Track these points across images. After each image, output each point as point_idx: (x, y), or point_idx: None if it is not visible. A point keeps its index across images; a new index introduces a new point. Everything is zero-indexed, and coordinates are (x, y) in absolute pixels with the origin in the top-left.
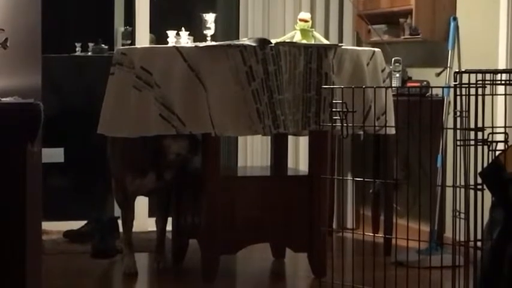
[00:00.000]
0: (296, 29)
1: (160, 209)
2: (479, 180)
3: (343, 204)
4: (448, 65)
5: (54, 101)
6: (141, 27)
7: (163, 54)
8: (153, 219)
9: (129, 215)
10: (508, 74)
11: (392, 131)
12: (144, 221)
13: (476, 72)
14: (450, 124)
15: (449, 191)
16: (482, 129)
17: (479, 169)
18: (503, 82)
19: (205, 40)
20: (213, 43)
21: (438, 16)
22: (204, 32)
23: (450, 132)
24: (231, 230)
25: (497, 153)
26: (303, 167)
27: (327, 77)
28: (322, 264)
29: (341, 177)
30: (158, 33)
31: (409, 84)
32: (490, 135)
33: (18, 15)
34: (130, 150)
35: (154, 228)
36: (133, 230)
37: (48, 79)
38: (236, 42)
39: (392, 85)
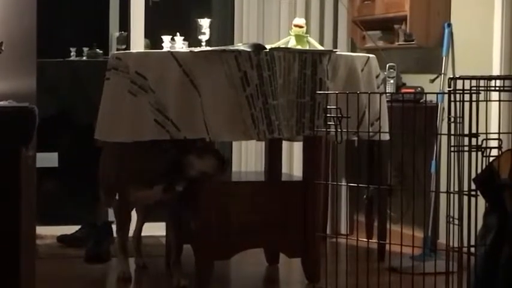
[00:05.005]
0: (291, 34)
1: (173, 222)
2: (473, 186)
3: (337, 209)
4: (442, 71)
5: (48, 106)
6: (136, 32)
7: (158, 59)
8: (148, 224)
9: (125, 222)
10: (502, 80)
11: (387, 136)
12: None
13: (470, 78)
14: (444, 130)
15: (443, 197)
16: (476, 135)
17: (473, 175)
18: (497, 88)
19: (200, 45)
20: (208, 48)
21: (432, 22)
22: (199, 37)
23: (444, 138)
24: (225, 235)
25: (491, 159)
26: (297, 172)
27: (321, 82)
28: (316, 270)
29: (335, 183)
30: (153, 38)
31: (403, 90)
32: (484, 142)
33: (14, 19)
34: (137, 160)
35: (149, 233)
36: (128, 234)
37: (43, 83)
38: (231, 47)
39: (387, 91)
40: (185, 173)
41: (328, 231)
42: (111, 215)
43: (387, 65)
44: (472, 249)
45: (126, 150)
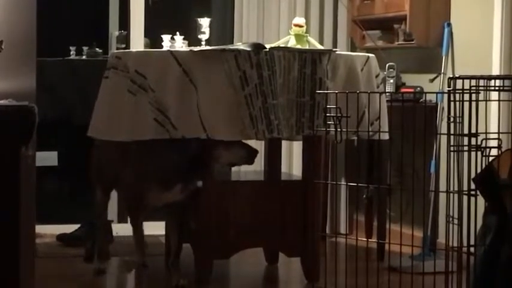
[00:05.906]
0: (290, 34)
1: (173, 221)
2: (472, 186)
3: (337, 209)
4: (442, 71)
5: (48, 104)
6: (135, 31)
7: (158, 58)
8: (147, 223)
9: (138, 221)
10: (502, 80)
11: (386, 136)
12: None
13: (470, 78)
14: (444, 130)
15: (442, 197)
16: (476, 135)
17: (473, 175)
18: (496, 88)
19: (200, 44)
20: (208, 47)
21: (432, 22)
22: (199, 36)
23: (444, 138)
24: (224, 235)
25: (491, 159)
26: (297, 171)
27: (321, 82)
28: (316, 269)
29: (334, 182)
30: (153, 37)
31: (403, 90)
32: (484, 141)
33: (14, 18)
34: (156, 160)
35: (149, 232)
36: (127, 234)
37: (43, 82)
38: (230, 46)
39: (386, 91)
40: (210, 166)
41: (327, 231)
42: (110, 214)
43: (387, 65)
44: (472, 249)
45: (139, 149)
